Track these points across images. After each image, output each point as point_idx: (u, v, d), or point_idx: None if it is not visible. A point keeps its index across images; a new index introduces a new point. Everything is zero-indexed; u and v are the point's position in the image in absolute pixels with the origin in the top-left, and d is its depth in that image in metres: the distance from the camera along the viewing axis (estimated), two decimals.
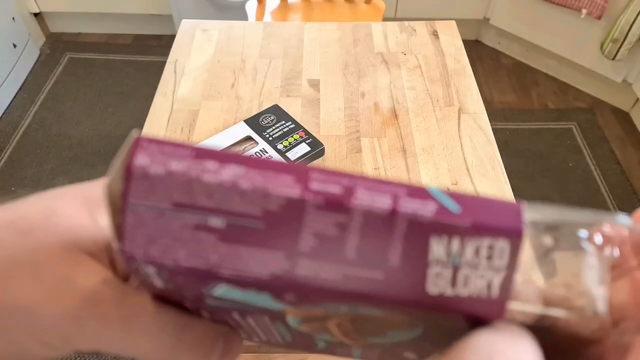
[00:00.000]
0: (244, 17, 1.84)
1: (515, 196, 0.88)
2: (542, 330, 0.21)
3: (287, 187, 0.19)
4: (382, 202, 0.19)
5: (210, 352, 0.26)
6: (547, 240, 0.21)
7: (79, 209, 0.25)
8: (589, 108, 2.39)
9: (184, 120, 0.99)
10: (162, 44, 2.66)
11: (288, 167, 0.19)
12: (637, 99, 2.28)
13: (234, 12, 2.34)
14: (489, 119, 1.01)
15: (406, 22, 1.24)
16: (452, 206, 0.19)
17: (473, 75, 1.11)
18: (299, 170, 0.19)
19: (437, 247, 0.19)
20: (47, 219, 0.24)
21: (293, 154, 0.91)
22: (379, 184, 0.19)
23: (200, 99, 1.04)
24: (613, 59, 2.14)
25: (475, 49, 2.69)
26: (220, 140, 0.94)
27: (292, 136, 0.94)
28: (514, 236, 0.19)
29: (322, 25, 1.23)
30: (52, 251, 0.23)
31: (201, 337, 0.25)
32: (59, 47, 2.65)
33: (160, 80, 1.08)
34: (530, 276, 0.21)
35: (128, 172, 0.19)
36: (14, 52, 2.34)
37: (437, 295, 0.19)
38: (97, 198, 0.25)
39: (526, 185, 2.04)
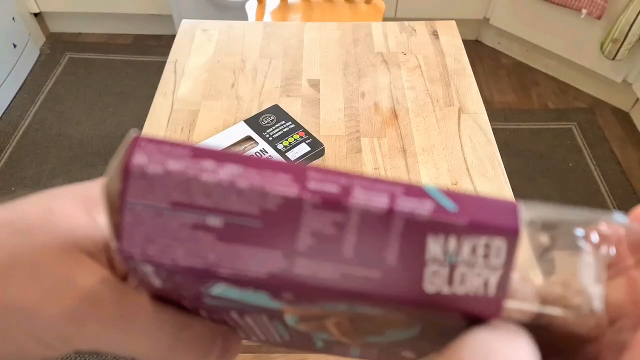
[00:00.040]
0: (244, 17, 1.84)
1: (515, 196, 0.88)
2: (539, 329, 0.21)
3: (284, 186, 0.19)
4: (379, 201, 0.19)
5: (208, 351, 0.26)
6: (544, 239, 0.21)
7: (77, 208, 0.25)
8: (589, 108, 2.39)
9: (184, 120, 1.00)
10: (162, 44, 2.66)
11: (285, 167, 0.19)
12: (637, 99, 2.28)
13: (234, 12, 2.34)
14: (489, 119, 1.01)
15: (406, 22, 1.24)
16: (449, 205, 0.19)
17: (473, 75, 1.11)
18: (297, 170, 0.19)
19: (434, 246, 0.19)
20: (45, 219, 0.24)
21: (293, 154, 0.91)
22: (376, 183, 0.19)
23: (200, 99, 1.04)
24: (613, 59, 2.14)
25: (475, 49, 2.69)
26: (220, 140, 0.94)
27: (292, 136, 0.94)
28: (511, 235, 0.19)
29: (322, 25, 1.23)
30: (50, 251, 0.23)
31: (199, 336, 0.25)
32: (59, 47, 2.65)
33: (160, 80, 1.08)
34: (527, 274, 0.21)
35: (126, 172, 0.19)
36: (14, 52, 2.35)
37: (434, 294, 0.19)
38: (96, 198, 0.25)
39: (526, 185, 2.04)
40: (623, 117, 2.35)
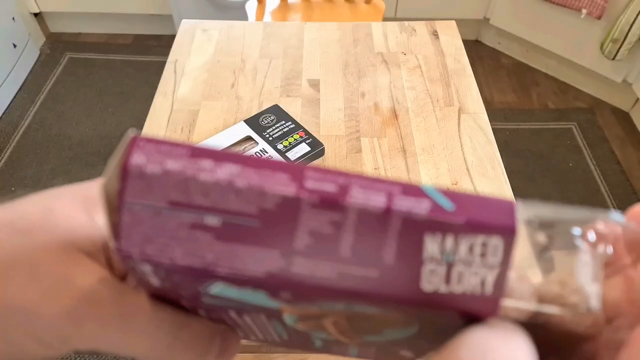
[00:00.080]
0: (244, 17, 1.84)
1: (515, 196, 0.88)
2: (536, 327, 0.21)
3: (282, 186, 0.19)
4: (377, 200, 0.19)
5: (207, 350, 0.26)
6: (541, 237, 0.21)
7: (76, 208, 0.25)
8: (589, 108, 2.39)
9: (184, 120, 1.00)
10: (162, 44, 2.66)
11: (283, 166, 0.19)
12: (637, 99, 2.28)
13: (234, 12, 2.34)
14: (489, 119, 1.01)
15: (406, 22, 1.24)
16: (446, 204, 0.19)
17: (473, 75, 1.11)
18: (295, 169, 0.19)
19: (431, 245, 0.19)
20: (45, 219, 0.24)
21: (293, 154, 0.91)
22: (373, 183, 0.19)
23: (200, 99, 1.04)
24: (613, 59, 2.14)
25: (475, 49, 2.69)
26: (220, 140, 0.94)
27: (292, 136, 0.94)
28: (508, 233, 0.19)
29: (322, 25, 1.23)
30: (49, 251, 0.23)
31: (198, 335, 0.25)
32: (59, 47, 2.65)
33: (160, 80, 1.08)
34: (524, 273, 0.21)
35: (124, 171, 0.19)
36: (14, 52, 2.35)
37: (432, 293, 0.19)
38: (95, 198, 0.25)
39: (526, 185, 2.04)
40: (623, 117, 2.35)
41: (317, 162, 0.93)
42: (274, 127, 0.95)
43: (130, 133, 0.20)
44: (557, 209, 0.21)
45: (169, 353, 0.24)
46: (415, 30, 1.22)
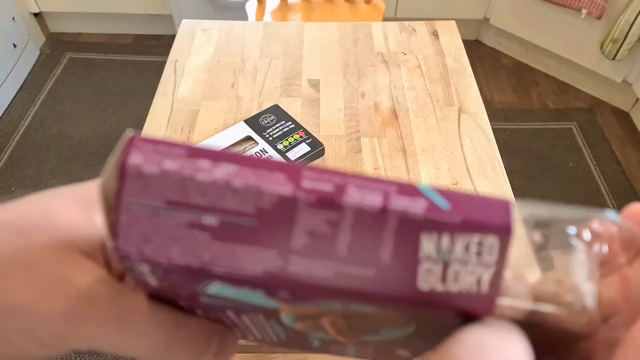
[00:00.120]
0: (244, 17, 1.84)
1: (515, 196, 0.88)
2: (532, 326, 0.21)
3: (279, 185, 0.19)
4: (373, 200, 0.19)
5: (205, 350, 0.26)
6: (537, 237, 0.21)
7: (75, 208, 0.25)
8: (589, 108, 2.39)
9: (184, 120, 1.00)
10: (162, 44, 2.66)
11: (280, 166, 0.19)
12: (637, 99, 2.28)
13: (234, 12, 2.34)
14: (489, 119, 1.01)
15: (406, 22, 1.24)
16: (442, 203, 0.19)
17: (473, 75, 1.11)
18: (291, 169, 0.19)
19: (428, 244, 0.19)
20: (43, 219, 0.24)
21: (293, 154, 0.91)
22: (370, 182, 0.19)
23: (200, 99, 1.04)
24: (613, 59, 2.14)
25: (475, 49, 2.69)
26: (220, 140, 0.94)
27: (292, 136, 0.94)
28: (503, 232, 0.19)
29: (322, 25, 1.23)
30: (47, 251, 0.23)
31: (196, 335, 0.25)
32: (59, 47, 2.65)
33: (160, 80, 1.08)
34: (521, 272, 0.21)
35: (122, 171, 0.19)
36: (14, 52, 2.35)
37: (428, 291, 0.19)
38: (94, 198, 0.25)
39: (526, 185, 2.04)
40: (623, 117, 2.35)
41: (317, 162, 0.93)
42: (274, 127, 0.95)
43: (128, 133, 0.20)
44: (552, 208, 0.21)
45: (166, 353, 0.24)
46: (415, 30, 1.22)
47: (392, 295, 0.19)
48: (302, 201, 0.19)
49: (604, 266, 0.23)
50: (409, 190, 0.19)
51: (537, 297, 0.21)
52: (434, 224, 0.19)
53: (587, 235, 0.21)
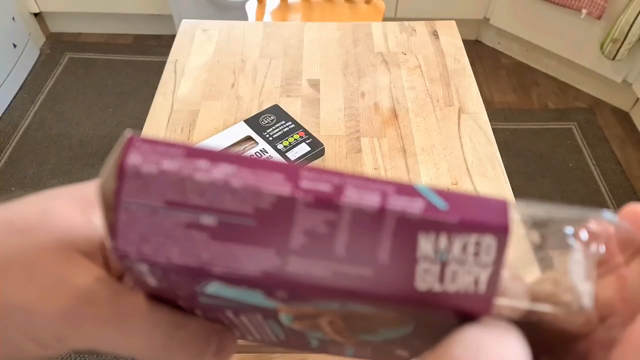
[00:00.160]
0: (244, 17, 1.84)
1: (515, 196, 0.88)
2: (529, 326, 0.21)
3: (277, 186, 0.19)
4: (371, 200, 0.19)
5: (204, 350, 0.26)
6: (534, 237, 0.21)
7: (74, 209, 0.25)
8: (589, 108, 2.39)
9: (184, 120, 1.00)
10: (162, 44, 2.66)
11: (279, 166, 0.19)
12: (637, 99, 2.28)
13: (234, 12, 2.34)
14: (489, 119, 1.01)
15: (406, 22, 1.24)
16: (440, 203, 0.19)
17: (473, 75, 1.11)
18: (290, 169, 0.19)
19: (425, 244, 0.19)
20: (42, 219, 0.24)
21: (293, 154, 0.91)
22: (368, 182, 0.19)
23: (200, 99, 1.04)
24: (613, 59, 2.14)
25: (475, 49, 2.69)
26: (220, 140, 0.94)
27: (292, 136, 0.94)
28: (501, 232, 0.19)
29: (322, 25, 1.23)
30: (47, 251, 0.23)
31: (195, 335, 0.25)
32: (59, 47, 2.65)
33: (160, 80, 1.08)
34: (518, 272, 0.21)
35: (121, 171, 0.19)
36: (14, 52, 2.35)
37: (426, 291, 0.19)
38: (93, 198, 0.25)
39: (526, 185, 2.04)
40: (623, 117, 2.35)
41: (317, 162, 0.93)
42: (274, 127, 0.95)
43: (127, 133, 0.20)
44: (550, 208, 0.21)
45: (165, 353, 0.24)
46: (415, 30, 1.22)
47: (390, 295, 0.19)
48: (300, 201, 0.19)
49: (602, 266, 0.23)
50: (407, 190, 0.19)
51: (535, 297, 0.21)
52: (431, 224, 0.19)
53: (584, 235, 0.22)
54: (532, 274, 0.22)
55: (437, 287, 0.19)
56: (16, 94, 2.36)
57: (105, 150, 2.12)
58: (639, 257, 0.22)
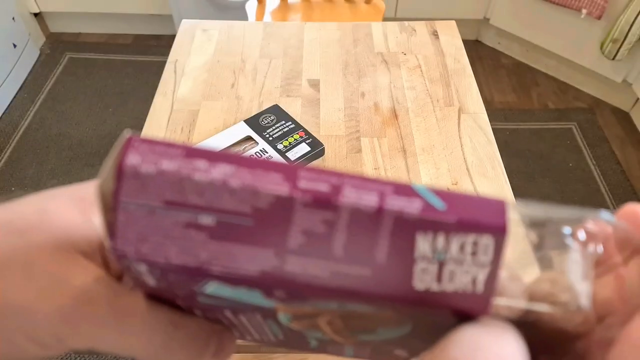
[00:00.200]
0: (244, 17, 1.84)
1: (515, 196, 0.88)
2: (527, 326, 0.21)
3: (276, 185, 0.19)
4: (369, 200, 0.19)
5: (203, 350, 0.26)
6: (532, 237, 0.21)
7: (73, 209, 0.25)
8: (589, 108, 2.39)
9: (184, 120, 1.00)
10: (162, 44, 2.66)
11: (277, 166, 0.19)
12: (637, 99, 2.28)
13: (234, 12, 2.34)
14: (489, 119, 1.01)
15: (406, 22, 1.24)
16: (438, 203, 0.19)
17: (473, 75, 1.11)
18: (288, 169, 0.19)
19: (423, 244, 0.19)
20: (42, 219, 0.24)
21: (293, 154, 0.91)
22: (366, 182, 0.19)
23: (200, 99, 1.04)
24: (613, 59, 2.14)
25: (475, 49, 2.69)
26: (220, 141, 0.94)
27: (292, 136, 0.94)
28: (498, 232, 0.19)
29: (322, 25, 1.23)
30: (45, 250, 0.23)
31: (194, 335, 0.25)
32: (59, 47, 2.65)
33: (160, 80, 1.08)
34: (516, 271, 0.21)
35: (119, 171, 0.19)
36: (14, 52, 2.35)
37: (424, 291, 0.19)
38: (91, 198, 0.25)
39: (526, 185, 2.04)
40: (623, 117, 2.35)
41: (317, 162, 0.93)
42: (274, 127, 0.95)
43: (126, 133, 0.20)
44: (548, 208, 0.22)
45: (165, 352, 0.24)
46: (415, 30, 1.22)
47: (388, 294, 0.19)
48: (299, 201, 0.19)
49: (600, 266, 0.23)
50: (405, 190, 0.19)
51: (533, 297, 0.21)
52: (429, 224, 0.19)
53: (582, 235, 0.22)
54: (532, 274, 0.22)
55: (434, 287, 0.19)
56: (16, 94, 2.36)
57: (105, 150, 2.12)
58: (636, 256, 0.23)
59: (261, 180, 0.19)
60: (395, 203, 0.19)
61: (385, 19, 1.75)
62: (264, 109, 1.00)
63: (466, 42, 1.19)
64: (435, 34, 1.21)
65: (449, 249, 0.19)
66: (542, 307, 0.21)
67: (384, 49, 1.17)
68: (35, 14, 2.67)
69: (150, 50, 2.64)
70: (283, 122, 0.96)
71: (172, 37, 1.22)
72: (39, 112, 2.29)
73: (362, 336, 0.25)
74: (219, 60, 1.13)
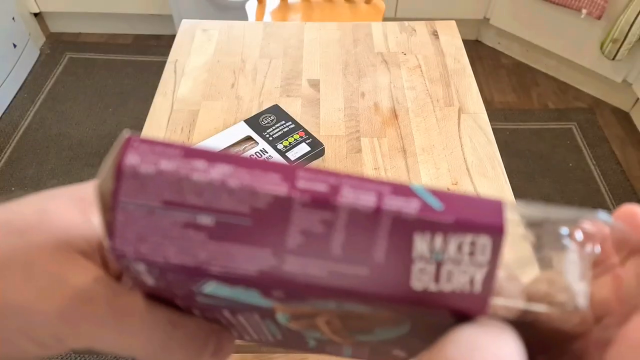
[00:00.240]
0: (244, 17, 1.84)
1: (515, 196, 0.88)
2: (525, 326, 0.21)
3: (274, 185, 0.19)
4: (367, 200, 0.19)
5: (202, 350, 0.26)
6: (530, 237, 0.21)
7: (72, 209, 0.25)
8: (589, 108, 2.39)
9: (184, 120, 1.00)
10: (162, 44, 2.66)
11: (275, 166, 0.19)
12: (637, 99, 2.28)
13: (234, 12, 2.34)
14: (489, 119, 1.01)
15: (406, 22, 1.24)
16: (435, 203, 0.19)
17: (473, 75, 1.11)
18: (286, 169, 0.19)
19: (421, 244, 0.19)
20: (41, 219, 0.24)
21: (293, 154, 0.91)
22: (364, 183, 0.19)
23: (200, 99, 1.04)
24: (613, 59, 2.14)
25: (475, 49, 2.69)
26: (220, 141, 0.94)
27: (292, 136, 0.94)
28: (496, 233, 0.19)
29: (322, 25, 1.23)
30: (44, 250, 0.23)
31: (193, 335, 0.25)
32: (59, 47, 2.65)
33: (160, 80, 1.08)
34: (514, 272, 0.21)
35: (118, 171, 0.19)
36: (14, 52, 2.35)
37: (421, 291, 0.19)
38: (91, 198, 0.26)
39: (526, 185, 2.04)
40: (623, 117, 2.35)
41: (317, 162, 0.93)
42: (274, 127, 0.95)
43: (125, 134, 0.20)
44: (545, 208, 0.22)
45: (164, 352, 0.24)
46: (415, 30, 1.22)
47: (386, 294, 0.19)
48: (297, 201, 0.19)
49: (597, 266, 0.23)
50: (403, 190, 0.19)
51: (530, 297, 0.21)
52: (427, 224, 0.19)
53: (579, 235, 0.22)
54: (531, 274, 0.22)
55: (432, 287, 0.19)
56: (16, 94, 2.36)
57: (105, 150, 2.12)
58: (634, 257, 0.23)
59: (259, 180, 0.19)
60: (393, 203, 0.19)
61: (385, 19, 1.75)
62: (264, 109, 1.00)
63: (466, 42, 1.19)
64: (435, 34, 1.21)
65: (447, 249, 0.19)
66: (539, 308, 0.21)
67: (384, 49, 1.17)
68: (35, 14, 2.67)
69: (150, 50, 2.64)
70: (283, 122, 0.96)
71: (172, 37, 1.22)
72: (39, 112, 2.29)
73: (360, 336, 0.25)
74: (219, 60, 1.13)
